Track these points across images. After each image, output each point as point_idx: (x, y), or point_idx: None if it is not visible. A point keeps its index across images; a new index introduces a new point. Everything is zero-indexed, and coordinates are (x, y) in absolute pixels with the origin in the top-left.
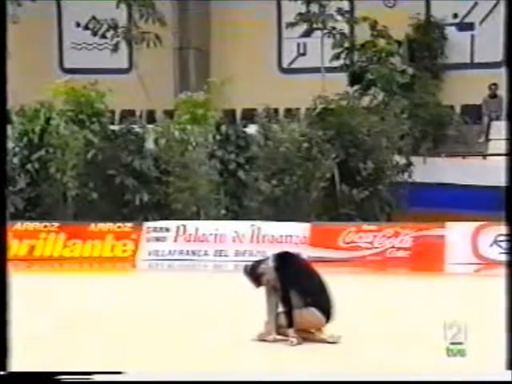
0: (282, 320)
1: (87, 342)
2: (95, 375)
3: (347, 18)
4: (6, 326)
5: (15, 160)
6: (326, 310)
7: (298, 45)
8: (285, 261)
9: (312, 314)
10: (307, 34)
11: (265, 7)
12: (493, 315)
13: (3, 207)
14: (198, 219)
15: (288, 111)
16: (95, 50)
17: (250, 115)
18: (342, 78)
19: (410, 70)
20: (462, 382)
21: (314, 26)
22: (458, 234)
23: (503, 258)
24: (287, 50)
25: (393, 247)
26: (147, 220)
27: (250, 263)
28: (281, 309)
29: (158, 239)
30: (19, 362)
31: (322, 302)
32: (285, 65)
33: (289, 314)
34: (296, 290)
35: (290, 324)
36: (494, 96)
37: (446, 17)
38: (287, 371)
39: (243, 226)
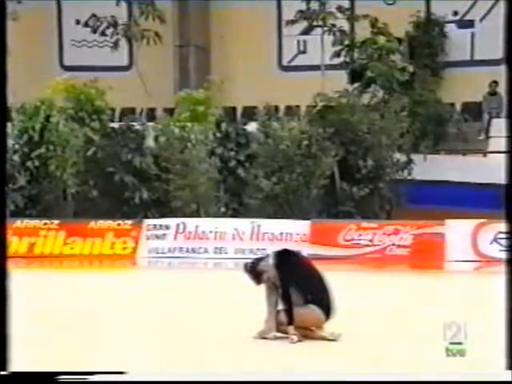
0: (282, 317)
1: (87, 340)
2: (95, 375)
3: (347, 16)
4: (6, 324)
5: (15, 157)
6: (326, 308)
7: (298, 42)
8: (285, 258)
9: (312, 311)
10: (307, 31)
11: (265, 4)
12: (493, 313)
13: (3, 205)
14: (198, 217)
15: (288, 109)
16: (95, 48)
17: (250, 113)
18: (342, 75)
19: (410, 68)
20: (461, 382)
21: (314, 23)
22: (457, 232)
23: (503, 255)
24: (287, 48)
25: (393, 245)
26: (147, 217)
27: (250, 261)
28: (281, 306)
29: (157, 237)
30: (19, 361)
31: (322, 300)
32: (285, 62)
33: (289, 311)
34: (296, 288)
35: (290, 321)
36: (493, 93)
37: (446, 14)
38: (287, 369)
39: (243, 224)
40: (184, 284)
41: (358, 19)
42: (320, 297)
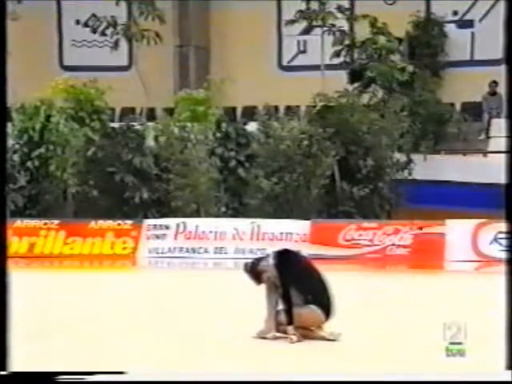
0: (282, 317)
1: (87, 340)
2: (95, 375)
3: (347, 16)
4: (6, 324)
5: (15, 157)
6: (326, 308)
7: (298, 42)
8: (285, 258)
9: (312, 311)
10: (307, 31)
11: (265, 4)
12: (493, 313)
13: (3, 204)
14: (198, 217)
15: (288, 109)
16: (95, 48)
17: (250, 113)
18: (342, 75)
19: (410, 68)
20: (461, 382)
21: (314, 23)
22: (457, 232)
23: (503, 255)
24: (287, 48)
25: (393, 245)
26: (147, 217)
27: (250, 261)
28: (281, 306)
29: (157, 237)
30: (19, 361)
31: (322, 300)
32: (285, 62)
33: (289, 311)
34: (296, 288)
35: (290, 321)
36: (493, 93)
37: (446, 14)
38: (287, 369)
39: (243, 224)
40: (184, 284)
41: (358, 19)
42: (320, 297)
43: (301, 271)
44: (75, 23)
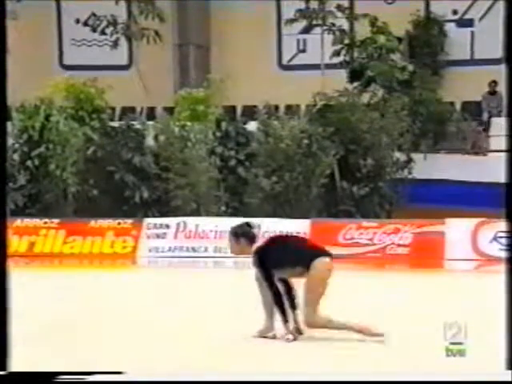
0: (279, 317)
1: (87, 340)
2: (95, 375)
3: (347, 15)
4: (6, 324)
5: (15, 156)
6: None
7: (298, 41)
8: (260, 256)
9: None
10: (307, 30)
11: (264, 3)
12: (493, 313)
13: (3, 204)
14: (198, 216)
15: (288, 108)
16: (95, 47)
17: (250, 112)
18: (342, 74)
19: (410, 67)
20: (461, 382)
21: (314, 22)
22: (457, 231)
23: (503, 254)
24: (287, 47)
25: (393, 244)
26: (147, 216)
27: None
28: (275, 306)
29: (158, 236)
30: (19, 361)
31: (304, 255)
32: (285, 61)
33: (282, 311)
34: (278, 271)
35: (286, 320)
36: (493, 93)
37: (446, 13)
38: (287, 369)
39: None
40: (184, 283)
41: (358, 18)
42: (300, 255)
43: (276, 259)
44: (75, 22)
